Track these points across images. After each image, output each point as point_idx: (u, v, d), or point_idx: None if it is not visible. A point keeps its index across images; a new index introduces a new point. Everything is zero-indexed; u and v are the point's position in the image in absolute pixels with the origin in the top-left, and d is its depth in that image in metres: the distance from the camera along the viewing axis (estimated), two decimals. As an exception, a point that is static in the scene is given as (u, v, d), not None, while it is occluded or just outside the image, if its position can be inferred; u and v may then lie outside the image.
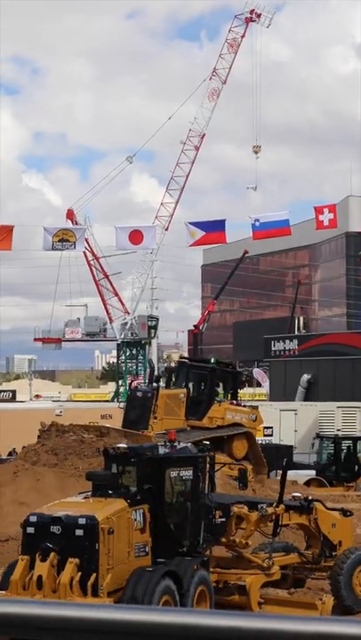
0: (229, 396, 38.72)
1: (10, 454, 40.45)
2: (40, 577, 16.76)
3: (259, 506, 19.91)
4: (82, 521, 17.06)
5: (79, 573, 16.74)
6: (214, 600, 18.47)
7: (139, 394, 36.97)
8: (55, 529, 17.11)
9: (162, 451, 19.26)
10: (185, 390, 36.83)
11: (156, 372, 42.09)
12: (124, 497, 18.03)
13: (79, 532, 16.99)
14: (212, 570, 19.17)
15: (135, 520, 17.82)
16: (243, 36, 77.12)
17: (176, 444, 19.94)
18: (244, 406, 40.04)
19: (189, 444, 21.56)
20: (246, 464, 37.13)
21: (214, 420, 37.10)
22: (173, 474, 18.83)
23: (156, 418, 35.26)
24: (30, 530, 17.45)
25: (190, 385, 37.90)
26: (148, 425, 35.22)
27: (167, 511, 18.73)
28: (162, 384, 38.59)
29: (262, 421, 42.82)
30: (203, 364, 39.93)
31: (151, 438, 33.35)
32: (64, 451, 32.00)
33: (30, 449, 32.82)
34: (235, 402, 38.52)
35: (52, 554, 16.86)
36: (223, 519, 19.50)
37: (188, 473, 18.96)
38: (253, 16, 76.78)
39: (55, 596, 16.69)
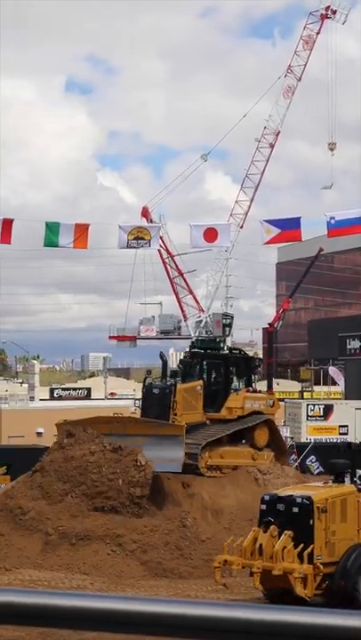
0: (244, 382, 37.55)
1: None
2: (260, 545, 20.68)
3: None
4: (298, 500, 21.01)
5: (292, 544, 20.37)
6: None
7: (155, 390, 35.19)
8: (280, 506, 21.18)
9: None
10: (201, 382, 35.71)
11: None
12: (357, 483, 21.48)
13: (295, 510, 20.90)
14: None
15: None
16: (318, 33, 76.65)
17: None
18: (260, 391, 38.52)
19: None
20: (268, 452, 36.50)
21: (234, 411, 35.89)
22: None
23: (175, 414, 33.95)
24: (263, 507, 21.62)
25: (205, 376, 36.74)
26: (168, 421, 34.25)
27: None
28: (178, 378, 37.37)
29: (280, 406, 41.97)
30: (215, 352, 38.78)
31: (183, 428, 32.40)
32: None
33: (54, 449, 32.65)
34: (250, 389, 37.45)
35: (273, 527, 20.82)
36: None
37: None
38: (329, 13, 76.31)
39: (271, 562, 20.45)
